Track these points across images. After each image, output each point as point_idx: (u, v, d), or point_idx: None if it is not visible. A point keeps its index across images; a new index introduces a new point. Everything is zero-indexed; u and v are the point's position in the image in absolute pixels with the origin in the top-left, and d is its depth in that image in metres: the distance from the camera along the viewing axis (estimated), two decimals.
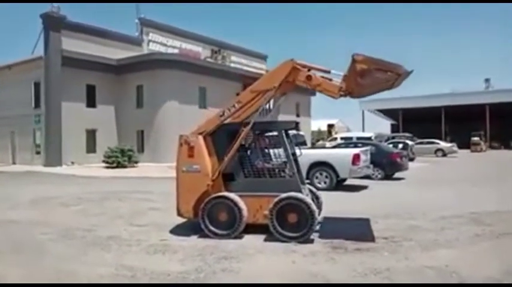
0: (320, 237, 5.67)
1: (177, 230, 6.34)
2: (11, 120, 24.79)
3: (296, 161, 6.41)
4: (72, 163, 22.85)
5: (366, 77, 5.05)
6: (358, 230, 6.14)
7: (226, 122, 6.13)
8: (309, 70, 5.72)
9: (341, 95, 5.64)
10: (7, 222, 7.31)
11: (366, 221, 6.74)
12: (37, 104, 23.72)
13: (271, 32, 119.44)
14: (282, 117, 31.03)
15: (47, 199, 10.19)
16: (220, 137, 6.14)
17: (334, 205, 7.98)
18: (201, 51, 31.46)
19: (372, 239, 5.59)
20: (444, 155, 30.39)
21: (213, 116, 6.17)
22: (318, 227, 6.12)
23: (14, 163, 25.02)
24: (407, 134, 34.33)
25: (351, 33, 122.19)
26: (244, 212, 5.68)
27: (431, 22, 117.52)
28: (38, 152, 23.82)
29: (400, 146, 22.41)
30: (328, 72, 5.74)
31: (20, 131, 24.86)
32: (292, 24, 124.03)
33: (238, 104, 6.01)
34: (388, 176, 14.20)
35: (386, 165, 14.07)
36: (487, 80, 52.47)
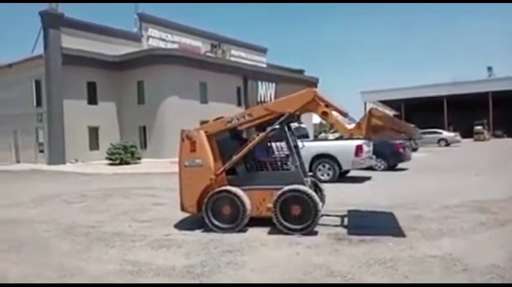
0: (350, 234, 5.43)
1: (181, 225, 6.37)
2: (13, 119, 24.82)
3: (298, 153, 6.40)
4: (76, 160, 22.92)
5: (378, 133, 5.21)
6: (385, 223, 6.09)
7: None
8: (327, 106, 5.70)
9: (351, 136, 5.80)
10: (11, 220, 7.36)
11: (391, 214, 6.59)
12: (39, 103, 23.74)
13: (271, 25, 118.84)
14: None
15: (51, 196, 10.24)
16: (225, 136, 6.21)
17: (338, 196, 7.98)
18: (201, 46, 31.37)
19: (401, 233, 5.39)
20: (447, 144, 30.32)
21: (220, 120, 6.19)
22: (345, 222, 6.10)
23: (17, 162, 25.11)
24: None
25: (351, 23, 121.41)
26: (248, 205, 5.69)
27: (432, 10, 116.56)
28: (41, 151, 23.89)
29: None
30: (345, 115, 5.80)
31: (22, 129, 24.91)
32: (292, 16, 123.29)
33: (249, 116, 6.01)
34: (391, 167, 14.18)
35: (389, 156, 14.04)
36: (489, 68, 52.21)
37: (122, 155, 21.26)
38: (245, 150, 5.95)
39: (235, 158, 5.93)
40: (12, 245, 5.60)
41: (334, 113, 5.73)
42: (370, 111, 5.12)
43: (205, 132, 6.10)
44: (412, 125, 5.23)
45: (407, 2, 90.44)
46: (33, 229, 6.58)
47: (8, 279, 4.24)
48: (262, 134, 5.93)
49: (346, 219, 6.31)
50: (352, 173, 12.59)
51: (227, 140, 6.23)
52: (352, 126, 5.63)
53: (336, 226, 5.96)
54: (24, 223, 7.05)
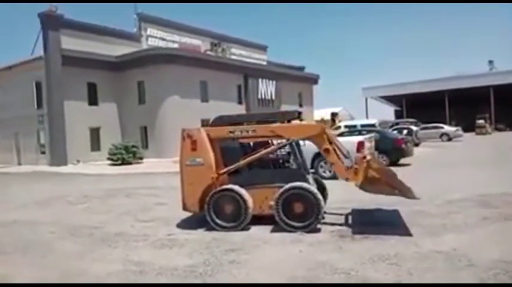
0: (354, 233, 5.31)
1: (184, 224, 6.36)
2: (14, 121, 24.86)
3: (300, 150, 6.39)
4: (78, 161, 22.94)
5: (374, 185, 5.21)
6: (389, 220, 6.03)
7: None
8: (330, 143, 5.76)
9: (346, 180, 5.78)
10: (15, 222, 7.37)
11: (395, 211, 6.52)
12: (39, 104, 23.76)
13: (271, 22, 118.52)
14: (284, 107, 31.01)
15: (54, 198, 10.25)
16: (228, 141, 6.24)
17: (340, 193, 7.93)
18: (201, 45, 31.31)
19: (407, 230, 5.29)
20: (449, 139, 30.21)
21: (222, 128, 6.21)
22: (350, 221, 6.06)
23: (19, 164, 25.16)
24: (411, 120, 34.13)
25: (352, 20, 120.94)
26: (250, 203, 5.68)
27: (433, 4, 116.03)
28: (43, 152, 23.94)
29: (405, 131, 22.30)
30: (346, 156, 5.90)
31: (24, 131, 24.95)
32: (292, 13, 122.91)
33: (253, 132, 6.02)
34: (393, 163, 14.12)
35: (391, 151, 13.99)
36: (490, 62, 51.93)
37: (124, 155, 21.27)
38: (255, 157, 5.98)
39: (242, 162, 5.96)
40: (17, 247, 5.61)
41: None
42: (368, 162, 5.18)
43: (208, 135, 6.11)
44: (408, 187, 5.25)
45: (409, 2, 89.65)
46: (37, 230, 6.59)
47: (13, 281, 4.24)
48: (274, 147, 5.95)
49: (350, 217, 6.28)
50: None
51: (229, 143, 6.23)
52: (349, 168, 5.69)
53: (339, 224, 5.94)
54: (28, 225, 7.06)
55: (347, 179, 5.67)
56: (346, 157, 5.88)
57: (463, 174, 11.22)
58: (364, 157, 5.52)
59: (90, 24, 24.93)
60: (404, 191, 5.10)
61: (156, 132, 24.32)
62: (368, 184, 5.19)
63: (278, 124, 6.03)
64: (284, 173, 6.01)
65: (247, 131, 6.01)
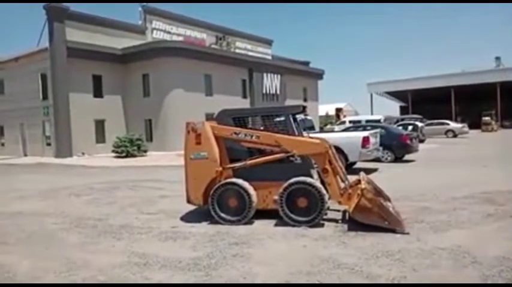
0: (349, 230, 5.26)
1: (188, 217, 6.38)
2: (20, 112, 24.97)
3: None
4: (83, 153, 23.04)
5: (364, 214, 5.19)
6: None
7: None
8: (330, 164, 5.77)
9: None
10: (19, 213, 7.42)
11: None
12: (45, 96, 23.82)
13: (276, 17, 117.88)
14: (289, 102, 30.91)
15: (58, 189, 10.31)
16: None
17: None
18: (206, 38, 31.21)
19: (402, 229, 5.13)
20: (455, 135, 30.01)
21: (227, 128, 6.19)
22: (347, 217, 6.04)
23: (25, 155, 25.30)
24: (416, 116, 33.91)
25: (357, 15, 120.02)
26: (254, 197, 5.69)
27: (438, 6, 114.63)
28: (48, 144, 24.04)
29: (410, 128, 22.16)
30: (343, 181, 5.94)
31: (29, 123, 25.06)
32: (297, 8, 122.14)
33: (257, 138, 6.01)
34: (398, 159, 14.09)
35: (396, 147, 13.94)
36: (497, 58, 51.34)
37: (128, 148, 21.34)
38: (261, 160, 5.97)
39: (249, 162, 5.97)
40: (21, 237, 5.65)
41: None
42: (362, 191, 5.19)
43: (214, 132, 6.11)
44: (399, 219, 5.25)
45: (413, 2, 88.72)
46: (41, 221, 6.63)
47: (16, 272, 4.27)
48: (281, 155, 5.92)
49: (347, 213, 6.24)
50: (358, 165, 12.51)
51: (237, 145, 6.23)
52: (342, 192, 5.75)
53: (340, 220, 5.92)
54: (32, 216, 7.10)
55: (339, 203, 5.77)
56: (343, 181, 5.91)
57: (468, 171, 11.16)
58: (359, 181, 5.60)
59: (96, 16, 24.89)
60: (394, 224, 5.12)
61: (160, 125, 24.35)
62: (358, 212, 5.21)
63: (283, 135, 6.01)
64: (288, 167, 5.99)
65: (251, 136, 6.02)
